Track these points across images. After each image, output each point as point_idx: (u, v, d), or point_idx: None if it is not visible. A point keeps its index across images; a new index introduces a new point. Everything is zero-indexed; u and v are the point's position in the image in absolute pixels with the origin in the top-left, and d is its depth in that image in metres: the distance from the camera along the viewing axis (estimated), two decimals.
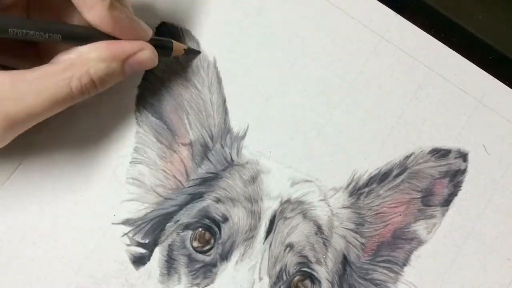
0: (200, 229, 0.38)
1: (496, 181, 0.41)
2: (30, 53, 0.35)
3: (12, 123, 0.30)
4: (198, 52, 0.40)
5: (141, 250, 0.38)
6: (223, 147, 0.39)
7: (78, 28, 0.33)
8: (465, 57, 0.42)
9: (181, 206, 0.38)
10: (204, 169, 0.39)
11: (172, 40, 0.37)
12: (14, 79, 0.30)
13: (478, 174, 0.41)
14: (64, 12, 0.34)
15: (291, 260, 0.38)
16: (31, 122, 0.31)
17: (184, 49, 0.38)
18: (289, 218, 0.38)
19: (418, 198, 0.40)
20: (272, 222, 0.38)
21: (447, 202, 0.40)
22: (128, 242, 0.38)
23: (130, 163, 0.39)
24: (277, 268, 0.38)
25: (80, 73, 0.31)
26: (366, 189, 0.40)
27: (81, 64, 0.31)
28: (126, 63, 0.33)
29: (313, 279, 0.38)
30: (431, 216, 0.40)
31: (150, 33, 0.35)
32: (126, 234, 0.38)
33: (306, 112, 0.41)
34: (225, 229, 0.37)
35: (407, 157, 0.40)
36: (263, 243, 0.38)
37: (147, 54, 0.34)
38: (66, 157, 0.38)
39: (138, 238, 0.38)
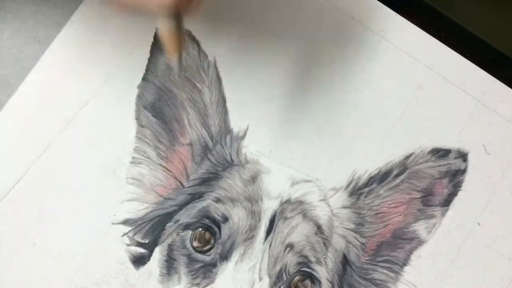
0: (200, 229, 0.38)
1: (496, 181, 0.41)
2: None
3: None
4: None
5: (141, 250, 0.38)
6: (223, 147, 0.39)
7: None
8: (465, 57, 0.42)
9: (181, 206, 0.38)
10: (204, 169, 0.39)
11: None
12: None
13: (478, 174, 0.41)
14: None
15: (291, 260, 0.38)
16: None
17: None
18: (289, 218, 0.38)
19: (418, 198, 0.40)
20: (272, 222, 0.38)
21: (447, 202, 0.40)
22: (128, 242, 0.38)
23: (130, 163, 0.38)
24: (277, 268, 0.37)
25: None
26: (366, 189, 0.40)
27: None
28: None
29: (313, 279, 0.38)
30: (431, 216, 0.40)
31: None
32: (126, 234, 0.38)
33: (306, 112, 0.41)
34: (225, 229, 0.37)
35: (407, 157, 0.40)
36: (263, 243, 0.38)
37: None
38: (66, 157, 0.38)
39: (138, 238, 0.38)
